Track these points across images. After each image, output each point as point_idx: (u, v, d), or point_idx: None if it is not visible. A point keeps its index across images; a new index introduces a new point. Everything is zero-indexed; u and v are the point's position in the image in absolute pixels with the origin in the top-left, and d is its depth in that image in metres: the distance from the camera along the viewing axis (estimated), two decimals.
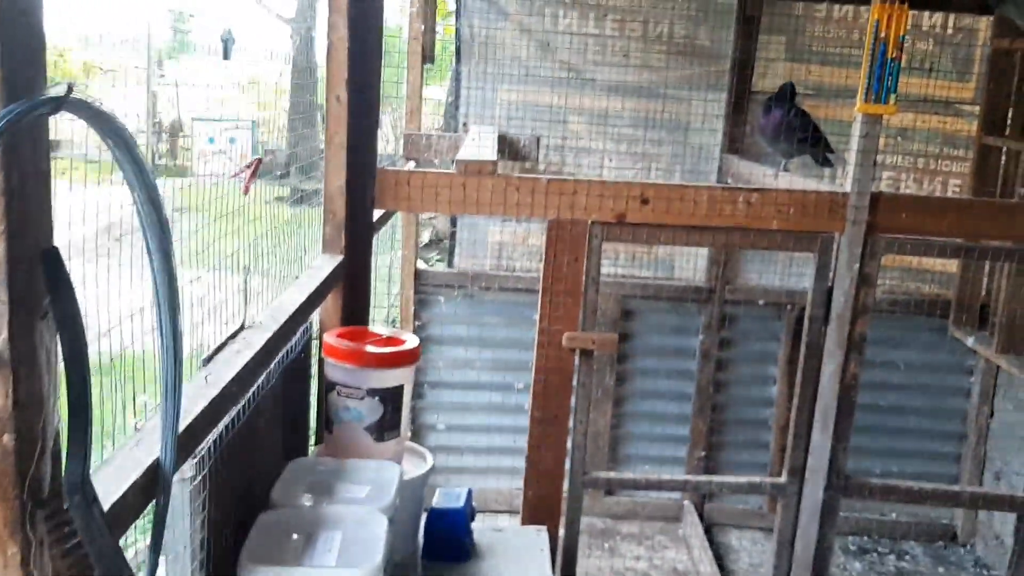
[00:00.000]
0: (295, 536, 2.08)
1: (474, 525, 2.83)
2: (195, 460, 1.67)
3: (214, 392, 1.60)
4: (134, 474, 1.26)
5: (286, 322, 2.08)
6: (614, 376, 4.77)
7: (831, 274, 3.04)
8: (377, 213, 2.97)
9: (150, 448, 1.31)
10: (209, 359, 1.73)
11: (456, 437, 4.70)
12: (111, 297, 1.36)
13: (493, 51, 4.53)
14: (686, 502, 4.84)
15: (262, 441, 2.22)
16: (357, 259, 2.77)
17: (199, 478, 1.70)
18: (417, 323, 4.63)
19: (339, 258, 2.69)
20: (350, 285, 2.76)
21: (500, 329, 4.67)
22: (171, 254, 1.20)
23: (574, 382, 2.95)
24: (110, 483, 1.23)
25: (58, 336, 1.01)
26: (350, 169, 2.70)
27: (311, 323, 2.68)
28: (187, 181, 2.05)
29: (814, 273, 3.04)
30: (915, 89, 4.47)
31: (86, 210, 1.30)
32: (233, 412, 1.81)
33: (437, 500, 2.68)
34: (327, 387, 2.58)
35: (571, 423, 2.99)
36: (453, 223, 4.80)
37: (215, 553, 1.82)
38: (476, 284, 4.64)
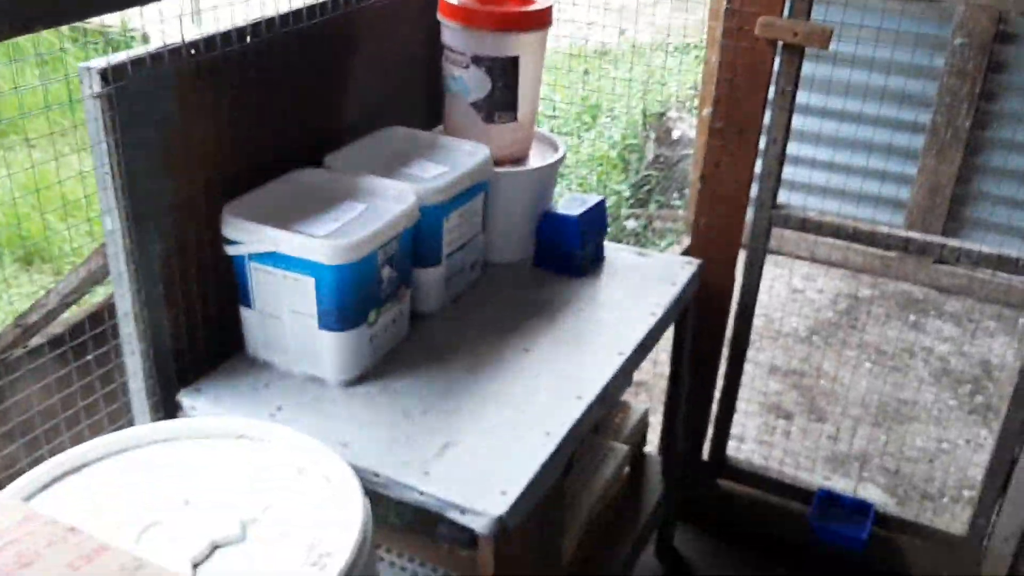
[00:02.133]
0: (312, 201, 1.90)
1: (620, 246, 2.43)
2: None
3: None
4: None
5: None
6: (971, 116, 3.74)
7: None
8: None
9: None
10: None
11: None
12: None
13: None
14: None
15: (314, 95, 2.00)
16: None
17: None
18: None
19: None
20: None
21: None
22: None
23: (771, 86, 2.27)
24: None
25: None
26: None
27: None
28: None
29: None
30: None
31: None
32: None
33: (559, 205, 2.30)
34: (440, 51, 2.25)
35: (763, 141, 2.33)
36: None
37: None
38: None
